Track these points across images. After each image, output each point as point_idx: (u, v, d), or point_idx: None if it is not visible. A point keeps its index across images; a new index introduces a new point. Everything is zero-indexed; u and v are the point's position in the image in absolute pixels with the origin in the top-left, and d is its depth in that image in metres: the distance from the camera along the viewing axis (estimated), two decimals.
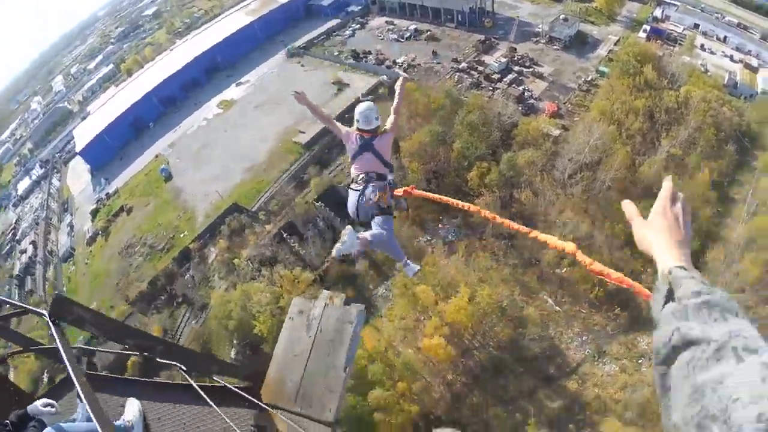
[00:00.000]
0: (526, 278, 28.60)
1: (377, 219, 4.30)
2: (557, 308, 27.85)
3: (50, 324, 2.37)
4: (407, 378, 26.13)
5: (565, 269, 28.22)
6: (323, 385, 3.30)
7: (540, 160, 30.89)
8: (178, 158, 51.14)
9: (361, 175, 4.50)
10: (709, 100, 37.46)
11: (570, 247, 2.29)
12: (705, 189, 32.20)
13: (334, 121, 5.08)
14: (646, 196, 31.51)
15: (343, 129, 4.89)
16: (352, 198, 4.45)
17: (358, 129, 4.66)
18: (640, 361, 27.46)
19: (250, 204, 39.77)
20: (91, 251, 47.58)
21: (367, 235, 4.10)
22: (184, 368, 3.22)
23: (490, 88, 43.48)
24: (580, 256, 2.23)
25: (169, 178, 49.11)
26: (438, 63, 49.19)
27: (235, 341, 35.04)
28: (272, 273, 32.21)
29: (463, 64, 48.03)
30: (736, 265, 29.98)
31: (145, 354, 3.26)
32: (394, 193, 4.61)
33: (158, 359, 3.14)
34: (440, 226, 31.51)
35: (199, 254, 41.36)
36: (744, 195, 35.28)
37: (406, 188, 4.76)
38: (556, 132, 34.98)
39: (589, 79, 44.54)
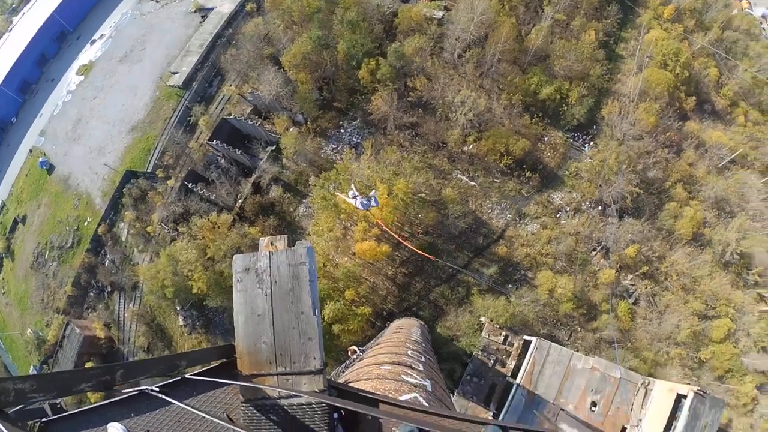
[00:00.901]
0: (437, 162, 29.22)
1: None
2: (472, 183, 29.06)
3: None
4: (352, 285, 26.97)
5: (471, 145, 29.07)
6: (298, 335, 3.13)
7: (427, 45, 30.10)
8: (53, 145, 45.74)
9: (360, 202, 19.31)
10: None
11: None
12: (593, 49, 33.15)
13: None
14: (536, 63, 32.46)
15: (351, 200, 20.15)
16: (358, 204, 19.67)
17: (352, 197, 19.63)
18: (558, 215, 30.12)
19: (144, 166, 36.48)
20: (2, 278, 43.71)
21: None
22: (156, 389, 2.91)
23: None
24: None
25: (51, 169, 44.26)
26: None
27: (178, 308, 34.44)
28: (190, 227, 30.62)
29: None
30: (631, 116, 32.53)
31: (109, 389, 2.81)
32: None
33: (123, 390, 2.83)
34: (342, 131, 30.69)
35: (110, 235, 38.78)
36: (631, 51, 36.76)
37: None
38: (439, 14, 33.87)
39: None
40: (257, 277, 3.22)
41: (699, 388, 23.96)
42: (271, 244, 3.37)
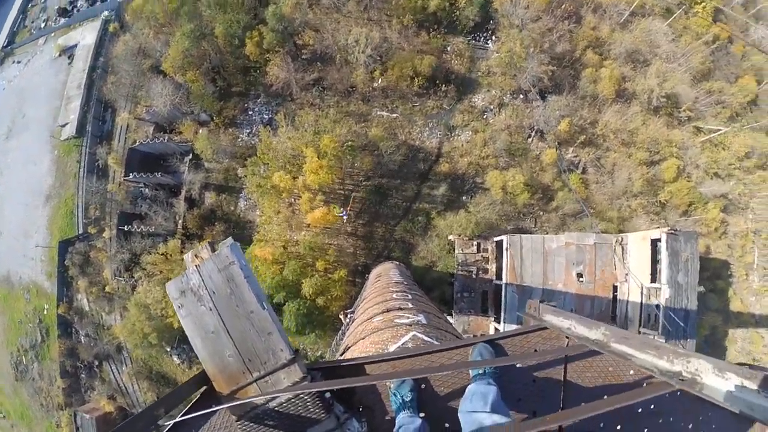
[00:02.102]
0: (353, 107, 28.80)
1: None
2: (394, 115, 28.87)
3: None
4: (319, 255, 26.80)
5: (380, 80, 28.69)
6: (257, 335, 3.02)
7: None
8: None
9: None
10: None
11: None
12: None
13: None
14: None
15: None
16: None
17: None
18: (485, 116, 30.38)
19: (74, 229, 34.78)
20: None
21: None
22: None
23: None
24: None
25: None
26: None
27: (168, 349, 33.77)
28: (143, 268, 29.68)
29: None
30: (523, 0, 32.39)
31: None
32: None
33: None
34: (250, 113, 29.73)
35: (74, 311, 37.47)
36: None
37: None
38: None
39: None
40: (195, 295, 3.05)
41: (669, 228, 25.13)
42: (196, 256, 3.15)
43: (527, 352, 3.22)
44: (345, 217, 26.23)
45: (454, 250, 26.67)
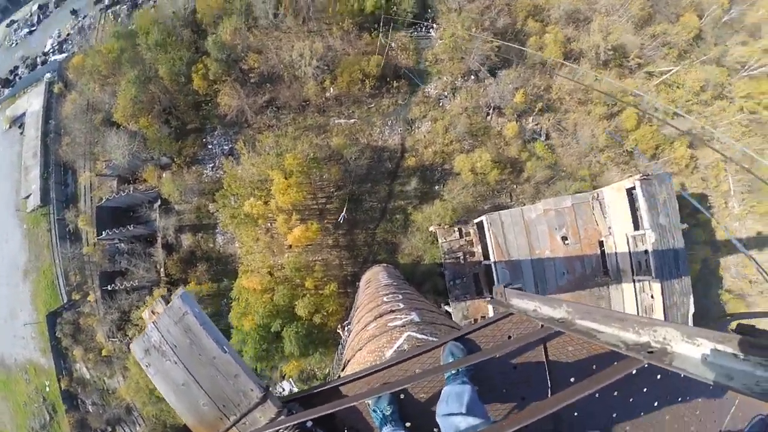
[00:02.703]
0: (310, 121, 28.82)
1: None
2: (352, 121, 28.96)
3: None
4: (306, 274, 26.61)
5: (331, 89, 28.75)
6: (225, 380, 3.04)
7: (240, 22, 29.03)
8: None
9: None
10: None
11: None
12: None
13: None
14: None
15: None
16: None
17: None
18: (440, 104, 30.58)
19: (58, 299, 34.10)
20: None
21: None
22: None
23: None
24: None
25: None
26: (84, 17, 40.51)
27: None
28: (135, 325, 29.21)
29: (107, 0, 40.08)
30: None
31: None
32: None
33: None
34: (210, 146, 29.57)
35: (76, 382, 36.66)
36: None
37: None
38: None
39: None
40: (158, 351, 3.09)
41: (641, 174, 25.47)
42: (153, 312, 3.20)
43: (501, 342, 3.12)
44: (342, 220, 26.92)
45: (437, 241, 26.71)
